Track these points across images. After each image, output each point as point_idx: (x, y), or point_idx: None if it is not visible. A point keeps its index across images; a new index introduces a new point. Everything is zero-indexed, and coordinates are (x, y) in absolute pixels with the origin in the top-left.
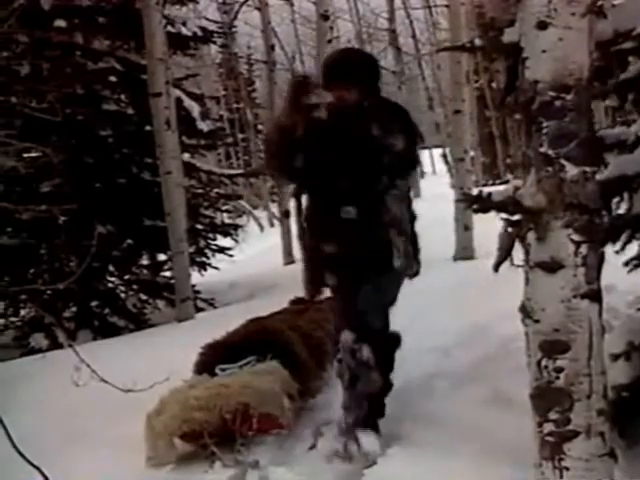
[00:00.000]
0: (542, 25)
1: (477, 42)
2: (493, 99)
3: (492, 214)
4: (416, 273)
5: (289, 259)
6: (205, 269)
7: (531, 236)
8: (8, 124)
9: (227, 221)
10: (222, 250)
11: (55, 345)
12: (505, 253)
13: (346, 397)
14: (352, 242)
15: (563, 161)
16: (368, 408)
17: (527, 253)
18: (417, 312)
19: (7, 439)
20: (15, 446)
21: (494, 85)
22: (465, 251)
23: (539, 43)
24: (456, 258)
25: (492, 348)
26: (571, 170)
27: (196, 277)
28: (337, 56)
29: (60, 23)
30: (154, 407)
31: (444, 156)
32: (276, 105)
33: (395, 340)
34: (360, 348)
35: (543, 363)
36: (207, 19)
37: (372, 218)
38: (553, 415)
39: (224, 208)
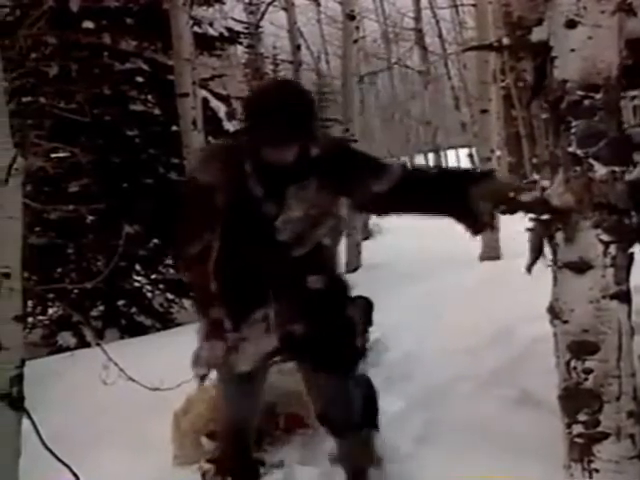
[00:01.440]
0: (571, 24)
1: (505, 41)
2: (520, 98)
3: (519, 214)
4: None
5: None
6: None
7: (559, 236)
8: (37, 125)
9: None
10: None
11: (82, 344)
12: (537, 254)
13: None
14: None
15: (592, 161)
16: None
17: (555, 253)
18: (443, 312)
19: (37, 436)
20: (44, 443)
21: (521, 84)
22: (491, 251)
23: (568, 42)
24: (482, 258)
25: (519, 349)
26: (600, 170)
27: None
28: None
29: (88, 24)
30: (181, 406)
31: (470, 156)
32: None
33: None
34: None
35: (572, 364)
36: (234, 19)
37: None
38: (582, 417)
39: None
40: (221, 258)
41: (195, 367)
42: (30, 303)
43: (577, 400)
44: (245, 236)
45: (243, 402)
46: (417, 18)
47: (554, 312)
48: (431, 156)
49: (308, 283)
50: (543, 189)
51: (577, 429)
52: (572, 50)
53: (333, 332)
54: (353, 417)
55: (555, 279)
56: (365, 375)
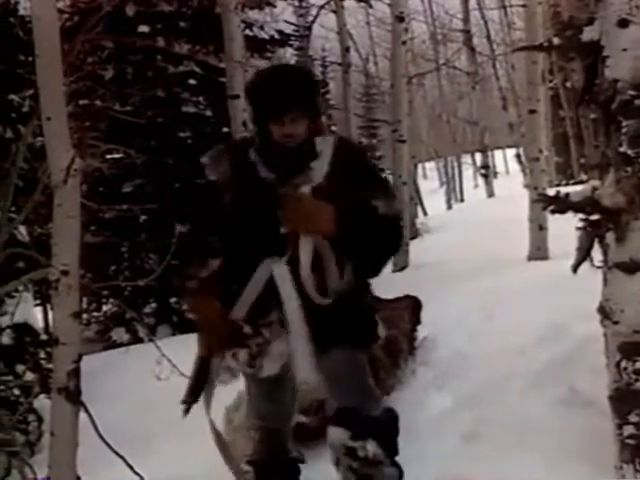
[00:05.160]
0: (623, 23)
1: (555, 41)
2: (568, 99)
3: (567, 214)
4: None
5: None
6: None
7: (610, 236)
8: (93, 127)
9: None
10: None
11: (135, 339)
12: (584, 254)
13: None
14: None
15: None
16: None
17: (606, 254)
18: (491, 312)
19: (93, 429)
20: (101, 435)
21: (569, 85)
22: (539, 251)
23: (620, 41)
24: (530, 258)
25: (568, 348)
26: None
27: None
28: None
29: (143, 28)
30: (233, 401)
31: (518, 156)
32: (350, 106)
33: (392, 416)
34: (362, 445)
35: (622, 365)
36: (287, 22)
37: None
38: (633, 418)
39: None
40: (230, 260)
41: (221, 378)
42: (85, 300)
43: (628, 401)
44: (254, 231)
45: (272, 404)
46: (465, 19)
47: (604, 312)
48: (478, 156)
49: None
50: (594, 189)
51: (628, 430)
52: (624, 49)
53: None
54: (369, 411)
55: (605, 280)
56: (392, 409)
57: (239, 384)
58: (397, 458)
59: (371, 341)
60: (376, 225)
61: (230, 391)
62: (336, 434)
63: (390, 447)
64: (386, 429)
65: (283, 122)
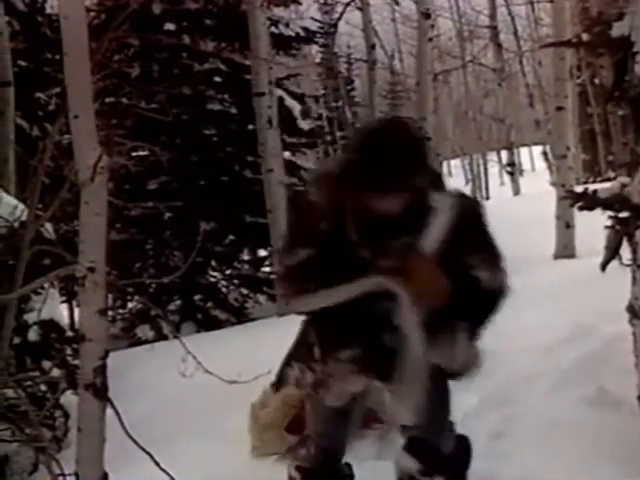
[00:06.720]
0: None
1: (584, 37)
2: (596, 95)
3: (594, 212)
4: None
5: None
6: None
7: (639, 235)
8: (120, 124)
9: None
10: None
11: (160, 336)
12: (613, 252)
13: None
14: None
15: None
16: None
17: (635, 252)
18: (518, 310)
19: (119, 425)
20: (127, 432)
21: (597, 81)
22: (566, 249)
23: None
24: (557, 256)
25: (596, 348)
26: None
27: None
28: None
29: (169, 26)
30: (258, 398)
31: (544, 153)
32: (375, 104)
33: (466, 448)
34: None
35: None
36: (313, 19)
37: None
38: None
39: None
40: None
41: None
42: (111, 297)
43: None
44: (340, 273)
45: (333, 429)
46: (492, 15)
47: (634, 311)
48: (504, 154)
49: (384, 340)
50: (623, 186)
51: None
52: None
53: None
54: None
55: (634, 278)
56: (466, 439)
57: (262, 380)
58: None
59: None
60: (476, 298)
61: (254, 387)
62: (406, 463)
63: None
64: (457, 465)
65: (382, 197)
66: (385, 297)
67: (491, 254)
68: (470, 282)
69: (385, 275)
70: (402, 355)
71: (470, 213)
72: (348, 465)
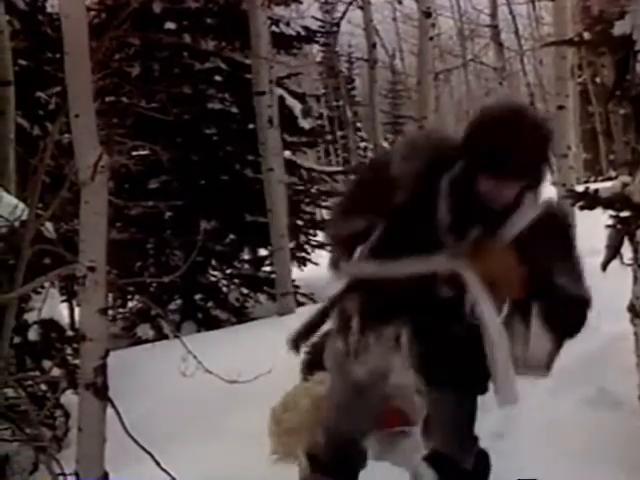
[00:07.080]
0: None
1: (586, 36)
2: (597, 94)
3: (595, 211)
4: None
5: None
6: (305, 264)
7: None
8: (120, 123)
9: (327, 217)
10: (322, 246)
11: (160, 336)
12: (614, 251)
13: None
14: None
15: None
16: None
17: (636, 251)
18: None
19: (120, 425)
20: (127, 431)
21: (598, 80)
22: None
23: None
24: None
25: (597, 347)
26: None
27: (296, 272)
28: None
29: (170, 25)
30: (279, 401)
31: None
32: (376, 103)
33: (484, 464)
34: None
35: None
36: (314, 18)
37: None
38: None
39: (324, 204)
40: (374, 252)
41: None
42: (111, 296)
43: None
44: (405, 248)
45: (354, 416)
46: (493, 14)
47: (635, 311)
48: None
49: (449, 328)
50: (624, 185)
51: None
52: None
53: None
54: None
55: (635, 278)
56: (486, 455)
57: (263, 380)
58: None
59: (484, 389)
60: (563, 308)
61: (254, 387)
62: (426, 474)
63: None
64: None
65: (496, 181)
66: (450, 283)
67: (575, 265)
68: (555, 290)
69: (456, 258)
70: (484, 344)
71: (555, 219)
72: (362, 452)
